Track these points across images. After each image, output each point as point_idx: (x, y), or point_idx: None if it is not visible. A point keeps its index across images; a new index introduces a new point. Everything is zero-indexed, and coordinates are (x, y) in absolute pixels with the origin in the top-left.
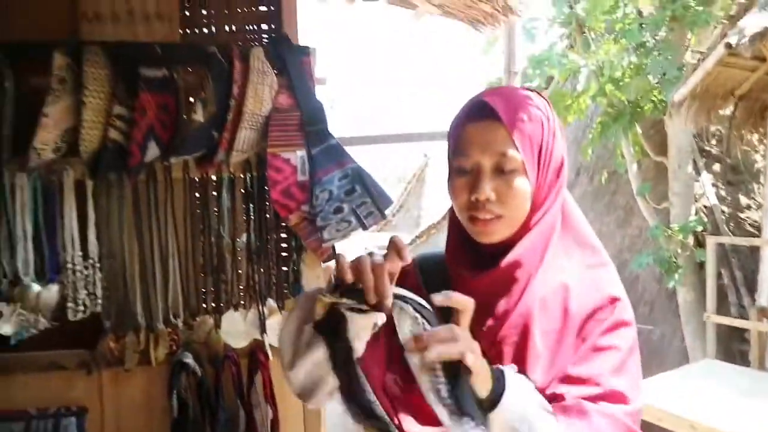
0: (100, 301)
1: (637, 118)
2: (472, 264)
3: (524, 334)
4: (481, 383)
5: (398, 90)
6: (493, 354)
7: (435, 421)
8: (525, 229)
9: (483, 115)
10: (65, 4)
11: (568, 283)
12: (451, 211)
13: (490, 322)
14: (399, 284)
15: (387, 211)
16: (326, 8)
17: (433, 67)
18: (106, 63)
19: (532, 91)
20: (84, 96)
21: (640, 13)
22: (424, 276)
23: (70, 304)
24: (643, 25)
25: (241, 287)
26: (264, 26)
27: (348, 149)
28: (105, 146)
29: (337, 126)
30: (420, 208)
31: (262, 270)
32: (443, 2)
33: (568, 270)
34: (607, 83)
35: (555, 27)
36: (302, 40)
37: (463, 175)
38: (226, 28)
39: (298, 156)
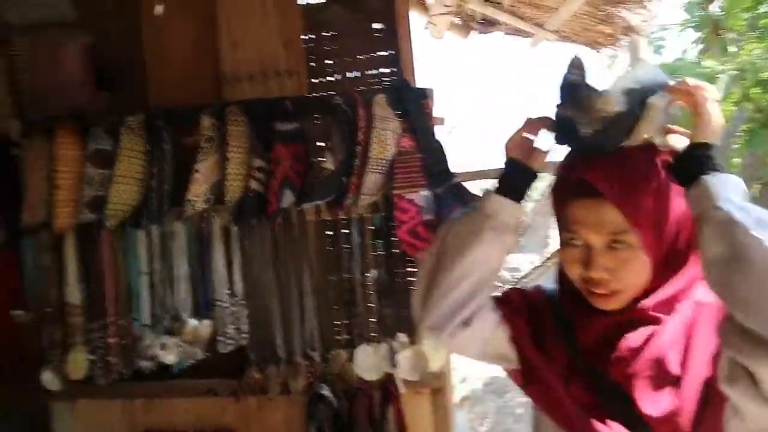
0: (245, 335)
1: None
2: (589, 307)
3: (660, 365)
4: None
5: (517, 116)
6: (625, 385)
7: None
8: (653, 283)
9: (587, 194)
10: (209, 70)
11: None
12: (561, 264)
13: (619, 355)
14: (531, 308)
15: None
16: (443, 44)
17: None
18: (244, 120)
19: (632, 149)
20: (228, 152)
21: None
22: (553, 308)
23: (220, 338)
24: None
25: (373, 322)
26: (384, 69)
27: (473, 182)
28: (246, 195)
29: (458, 159)
30: (547, 227)
31: (392, 305)
32: (560, 28)
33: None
34: (753, 87)
35: (687, 32)
36: (420, 79)
37: (573, 247)
38: (349, 74)
39: (422, 196)
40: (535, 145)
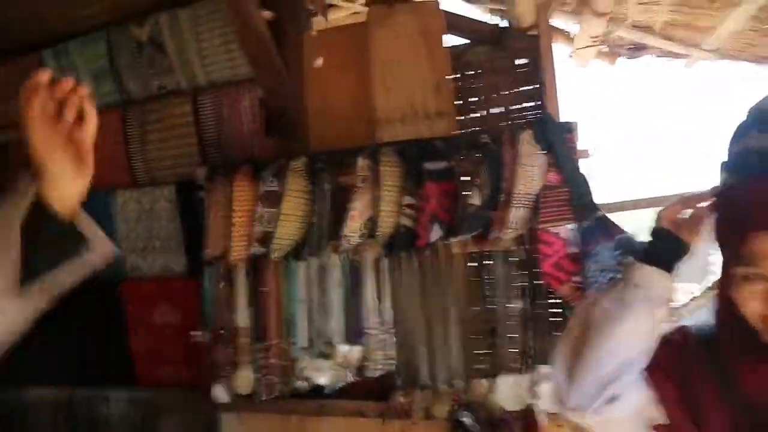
0: (393, 361)
1: None
2: (761, 349)
3: None
4: None
5: (674, 145)
6: None
7: None
8: None
9: None
10: (365, 114)
11: None
12: (727, 297)
13: None
14: (679, 363)
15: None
16: (591, 71)
17: (712, 116)
18: (397, 161)
19: None
20: (381, 190)
21: None
22: (709, 358)
23: (368, 363)
24: None
25: (515, 352)
26: (528, 104)
27: (620, 214)
28: (398, 230)
29: (607, 190)
30: (707, 254)
31: (534, 337)
32: (720, 46)
33: None
34: None
35: None
36: (565, 111)
37: (755, 283)
38: (493, 110)
39: (568, 230)
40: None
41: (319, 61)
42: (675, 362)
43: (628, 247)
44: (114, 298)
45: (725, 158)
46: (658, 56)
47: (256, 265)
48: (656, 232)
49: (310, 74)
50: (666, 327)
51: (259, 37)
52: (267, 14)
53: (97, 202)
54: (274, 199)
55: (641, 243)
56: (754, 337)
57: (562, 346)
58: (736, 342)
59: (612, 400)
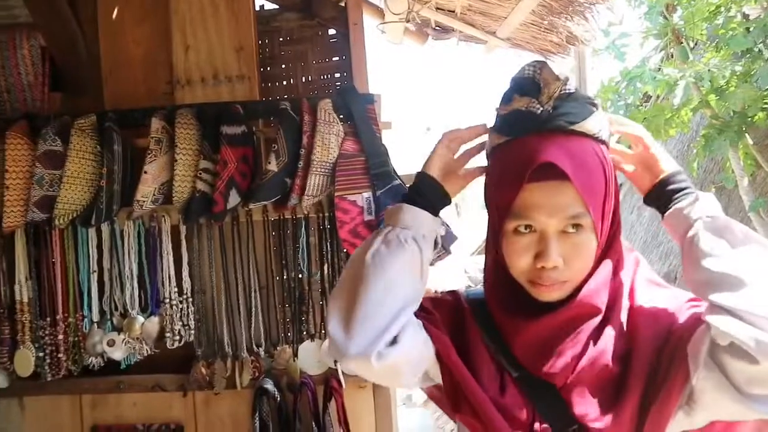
0: (192, 331)
1: (747, 129)
2: (526, 308)
3: (602, 367)
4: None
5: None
6: (570, 392)
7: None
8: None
9: (547, 176)
10: (164, 74)
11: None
12: (494, 259)
13: (558, 363)
14: (451, 318)
15: (452, 248)
16: (401, 49)
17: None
18: (194, 123)
19: (583, 135)
20: (176, 154)
21: (745, 16)
22: (476, 315)
23: (167, 334)
24: (750, 30)
25: (318, 319)
26: (336, 75)
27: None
28: (194, 196)
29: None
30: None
31: (327, 319)
32: (511, 35)
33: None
34: (710, 93)
35: (649, 41)
36: (375, 85)
37: (521, 236)
38: (302, 79)
39: (364, 198)
40: (458, 163)
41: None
42: (448, 314)
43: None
44: None
45: (493, 122)
46: (462, 40)
47: (37, 234)
48: (420, 177)
49: (103, 24)
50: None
51: None
52: None
53: None
54: (56, 160)
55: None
56: (518, 297)
57: (335, 298)
58: (503, 302)
59: (394, 342)
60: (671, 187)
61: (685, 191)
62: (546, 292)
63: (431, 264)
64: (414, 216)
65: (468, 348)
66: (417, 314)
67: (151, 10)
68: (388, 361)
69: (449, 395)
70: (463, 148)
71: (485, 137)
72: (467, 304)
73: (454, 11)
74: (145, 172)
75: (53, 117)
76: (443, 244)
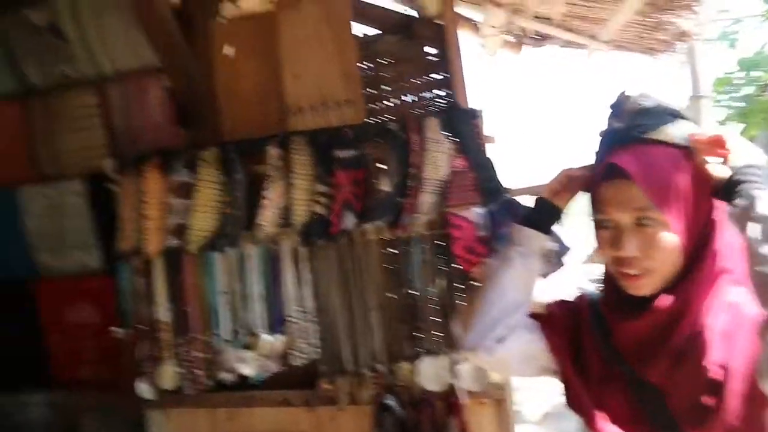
0: (316, 349)
1: None
2: (628, 307)
3: (701, 370)
4: None
5: (575, 131)
6: (665, 391)
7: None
8: (682, 273)
9: (615, 175)
10: (275, 103)
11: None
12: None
13: (654, 364)
14: (571, 318)
15: (566, 258)
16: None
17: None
18: (307, 149)
19: (659, 142)
20: (293, 179)
21: None
22: (592, 314)
23: (292, 352)
24: None
25: (435, 335)
26: (438, 92)
27: (525, 196)
28: (312, 218)
29: (513, 177)
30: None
31: (453, 318)
32: (614, 37)
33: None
34: None
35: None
36: (474, 99)
37: (604, 229)
38: (404, 98)
39: (476, 213)
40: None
41: (230, 50)
42: (568, 315)
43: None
44: (26, 297)
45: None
46: (561, 46)
47: (173, 258)
48: (537, 201)
49: (219, 63)
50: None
51: (164, 24)
52: (172, 1)
53: (1, 199)
54: (186, 191)
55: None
56: (620, 294)
57: (463, 303)
58: (609, 299)
59: (500, 340)
60: (736, 179)
61: (748, 186)
62: (633, 284)
63: (545, 275)
64: (524, 235)
65: (582, 345)
66: (535, 316)
67: (260, 45)
68: (495, 355)
69: (563, 389)
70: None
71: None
72: (588, 305)
73: (551, 18)
74: (265, 198)
75: (182, 151)
76: (556, 257)
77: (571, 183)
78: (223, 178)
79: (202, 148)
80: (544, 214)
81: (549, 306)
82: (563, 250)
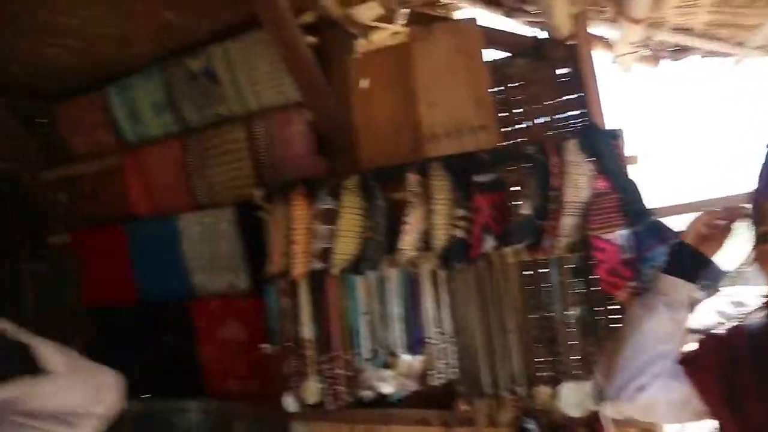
0: (454, 369)
1: None
2: None
3: None
4: None
5: (724, 143)
6: None
7: None
8: None
9: None
10: (410, 131)
11: None
12: None
13: None
14: (725, 357)
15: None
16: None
17: (760, 111)
18: (445, 174)
19: None
20: (432, 204)
21: None
22: (751, 347)
23: (431, 372)
24: None
25: (576, 359)
26: (573, 112)
27: (673, 218)
28: (452, 242)
29: (658, 194)
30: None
31: (594, 343)
32: (766, 42)
33: None
34: None
35: None
36: (610, 117)
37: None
38: (537, 121)
39: (620, 236)
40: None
41: (365, 82)
42: (717, 357)
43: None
44: (183, 315)
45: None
46: (703, 56)
47: (317, 280)
48: (679, 247)
49: (355, 95)
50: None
51: (305, 62)
52: (311, 40)
53: (163, 226)
54: (330, 217)
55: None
56: None
57: (606, 349)
58: None
59: (641, 389)
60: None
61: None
62: None
63: (700, 302)
64: (668, 284)
65: (739, 383)
66: (682, 358)
67: (394, 77)
68: (638, 404)
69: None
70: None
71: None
72: (746, 337)
73: (693, 28)
74: (406, 223)
75: (325, 180)
76: (710, 278)
77: (718, 231)
78: (365, 204)
79: (342, 176)
80: (690, 261)
81: (698, 344)
82: (718, 275)
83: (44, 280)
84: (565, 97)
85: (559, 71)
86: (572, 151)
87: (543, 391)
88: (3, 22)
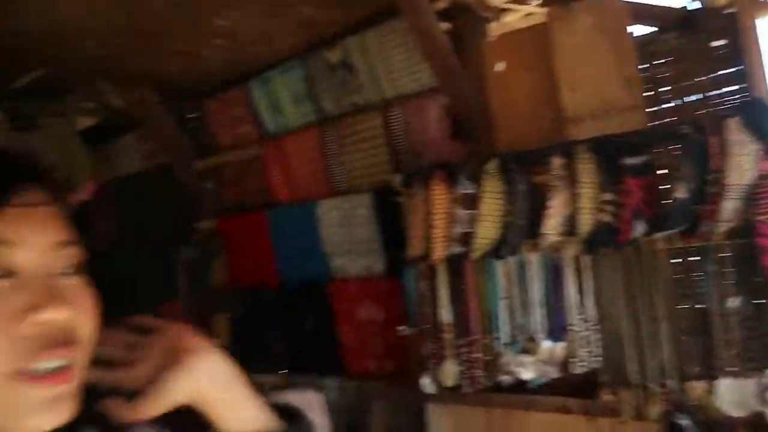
0: (598, 358)
1: None
2: None
3: None
4: None
5: None
6: None
7: None
8: None
9: None
10: (550, 113)
11: None
12: None
13: None
14: None
15: None
16: None
17: None
18: (592, 157)
19: None
20: (578, 188)
21: None
22: None
23: (573, 360)
24: None
25: (734, 353)
26: (730, 88)
27: None
28: (597, 227)
29: None
30: None
31: (757, 337)
32: None
33: None
34: None
35: None
36: None
37: None
38: (688, 99)
39: None
40: None
41: (501, 65)
42: None
43: None
44: (322, 296)
45: None
46: None
47: (456, 264)
48: None
49: (491, 78)
50: None
51: (440, 49)
52: (445, 26)
53: (302, 212)
54: (471, 201)
55: None
56: None
57: None
58: None
59: None
60: None
61: None
62: None
63: None
64: None
65: None
66: None
67: (532, 57)
68: None
69: None
70: None
71: None
72: None
73: None
74: (549, 207)
75: (465, 164)
76: None
77: None
78: (505, 188)
79: (481, 161)
80: None
81: None
82: None
83: (193, 263)
84: (721, 72)
85: (714, 44)
86: (735, 130)
87: (698, 386)
88: (163, 26)
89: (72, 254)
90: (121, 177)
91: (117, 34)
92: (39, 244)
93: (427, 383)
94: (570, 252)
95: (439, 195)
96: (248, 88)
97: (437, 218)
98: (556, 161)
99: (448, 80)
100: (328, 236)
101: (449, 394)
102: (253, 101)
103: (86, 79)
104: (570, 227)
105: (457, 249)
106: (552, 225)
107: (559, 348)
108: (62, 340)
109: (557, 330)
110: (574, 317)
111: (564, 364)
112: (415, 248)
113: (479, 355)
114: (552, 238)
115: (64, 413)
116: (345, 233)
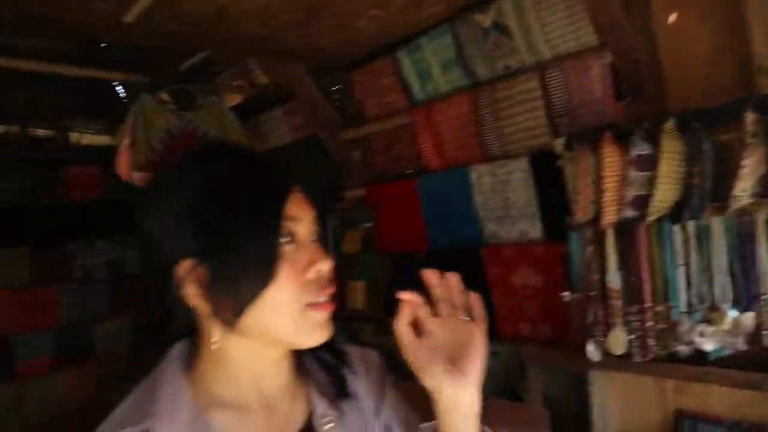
0: None
1: None
2: None
3: None
4: None
5: None
6: None
7: None
8: None
9: None
10: (734, 65)
11: None
12: None
13: None
14: None
15: None
16: None
17: None
18: None
19: None
20: None
21: None
22: None
23: (764, 331)
24: None
25: None
26: None
27: None
28: None
29: None
30: None
31: None
32: None
33: None
34: None
35: None
36: None
37: None
38: None
39: None
40: None
41: (673, 17)
42: None
43: None
44: (475, 261)
45: None
46: None
47: (627, 229)
48: None
49: (663, 31)
50: None
51: (606, 2)
52: None
53: (454, 178)
54: (647, 163)
55: None
56: None
57: None
58: None
59: None
60: None
61: None
62: None
63: None
64: None
65: None
66: None
67: (713, 5)
68: None
69: None
70: None
71: None
72: None
73: None
74: (743, 167)
75: (637, 124)
76: None
77: None
78: (686, 148)
79: (653, 120)
80: None
81: None
82: None
83: (338, 232)
84: None
85: None
86: None
87: None
88: (325, 0)
89: (317, 227)
90: (271, 149)
91: (279, 13)
92: (309, 219)
93: (592, 350)
94: (763, 215)
95: (611, 157)
96: (396, 57)
97: (608, 181)
98: (750, 117)
99: (614, 35)
100: (482, 201)
101: (616, 362)
102: (401, 69)
103: (235, 58)
104: (765, 188)
105: (630, 213)
106: (745, 186)
107: (747, 318)
108: (329, 281)
109: (746, 299)
110: (766, 285)
111: (753, 336)
112: (581, 213)
113: (652, 323)
114: (744, 200)
115: (331, 329)
116: (500, 198)
